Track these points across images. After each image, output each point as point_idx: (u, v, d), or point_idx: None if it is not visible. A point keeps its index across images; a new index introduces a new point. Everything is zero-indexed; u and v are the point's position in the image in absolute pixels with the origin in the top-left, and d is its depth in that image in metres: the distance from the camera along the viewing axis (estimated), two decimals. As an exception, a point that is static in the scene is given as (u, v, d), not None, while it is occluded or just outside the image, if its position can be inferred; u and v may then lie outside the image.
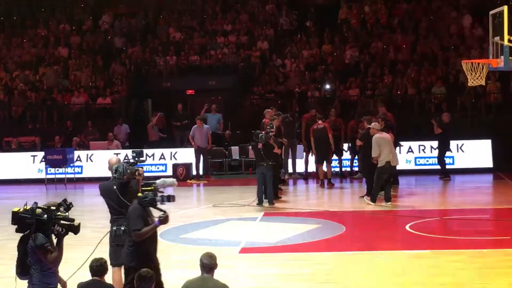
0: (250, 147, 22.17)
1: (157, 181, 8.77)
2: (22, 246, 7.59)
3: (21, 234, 7.68)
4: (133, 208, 8.57)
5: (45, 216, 7.41)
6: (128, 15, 34.48)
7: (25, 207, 7.53)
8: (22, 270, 7.45)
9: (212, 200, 19.92)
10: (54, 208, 7.51)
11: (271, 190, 18.18)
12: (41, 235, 7.41)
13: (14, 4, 35.98)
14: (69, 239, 15.09)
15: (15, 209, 7.53)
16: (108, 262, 8.76)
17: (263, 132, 18.16)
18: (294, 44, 31.17)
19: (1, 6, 35.80)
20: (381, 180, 17.72)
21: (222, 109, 28.29)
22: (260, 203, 18.11)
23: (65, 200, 7.55)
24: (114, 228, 9.48)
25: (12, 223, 7.54)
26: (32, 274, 7.47)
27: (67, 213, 7.46)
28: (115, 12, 34.83)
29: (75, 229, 7.59)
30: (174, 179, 9.19)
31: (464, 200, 19.02)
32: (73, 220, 7.55)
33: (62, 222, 7.50)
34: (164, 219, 8.51)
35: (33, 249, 7.41)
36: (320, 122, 21.50)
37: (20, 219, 7.49)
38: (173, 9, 34.82)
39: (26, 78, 30.92)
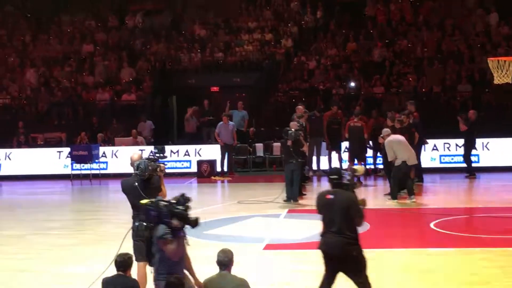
0: (279, 144, 22.24)
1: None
2: (149, 236, 7.81)
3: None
4: None
5: (165, 209, 7.56)
6: (153, 11, 34.52)
7: (151, 200, 7.72)
8: (149, 259, 7.68)
9: (236, 197, 19.93)
10: (175, 201, 7.62)
11: (296, 187, 18.19)
12: (164, 226, 7.58)
13: (41, 1, 36.17)
14: (93, 235, 15.21)
15: (144, 201, 7.76)
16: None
17: (292, 129, 18.16)
18: (319, 42, 31.10)
19: (28, 3, 36.02)
20: (397, 179, 17.71)
21: (246, 106, 28.33)
22: (289, 200, 18.11)
23: (182, 195, 7.66)
24: (136, 223, 9.52)
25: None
26: (156, 262, 7.65)
27: (185, 207, 7.58)
28: (140, 9, 34.87)
29: (192, 223, 7.67)
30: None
31: (490, 198, 18.91)
32: (187, 214, 7.67)
33: (179, 215, 7.60)
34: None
35: (156, 239, 7.63)
36: (356, 119, 21.55)
37: (146, 211, 7.71)
38: (198, 5, 34.85)
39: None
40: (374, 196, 19.65)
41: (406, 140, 18.67)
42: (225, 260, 7.81)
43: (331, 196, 8.75)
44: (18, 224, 16.53)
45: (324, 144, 23.28)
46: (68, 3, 35.68)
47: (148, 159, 9.51)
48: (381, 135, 18.28)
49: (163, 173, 9.57)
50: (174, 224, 7.55)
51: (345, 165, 22.24)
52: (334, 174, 8.86)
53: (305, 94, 28.16)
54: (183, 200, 7.65)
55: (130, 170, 9.74)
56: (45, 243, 14.16)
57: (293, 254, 12.74)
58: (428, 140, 22.71)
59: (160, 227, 7.62)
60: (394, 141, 17.59)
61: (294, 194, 18.15)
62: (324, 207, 8.83)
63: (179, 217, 7.56)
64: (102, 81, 30.38)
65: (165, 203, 7.63)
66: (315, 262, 11.87)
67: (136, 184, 9.38)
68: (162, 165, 9.54)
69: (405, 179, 17.80)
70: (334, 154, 23.12)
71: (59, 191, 23.34)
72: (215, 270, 7.87)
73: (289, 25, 32.22)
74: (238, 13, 33.97)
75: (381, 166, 22.17)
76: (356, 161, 21.84)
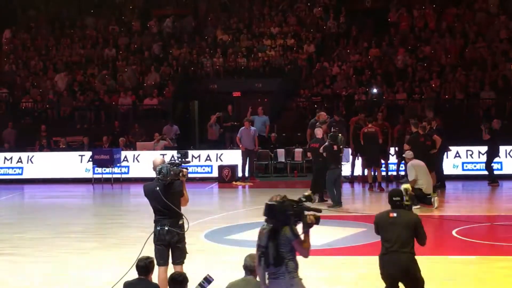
0: (300, 149, 22.27)
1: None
2: (273, 238, 7.53)
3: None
4: None
5: (297, 208, 7.58)
6: (176, 16, 34.61)
7: (277, 199, 7.60)
8: (277, 261, 7.42)
9: (257, 202, 19.90)
10: (304, 199, 7.64)
11: (339, 193, 18.40)
12: (291, 227, 7.54)
13: (64, 5, 36.38)
14: (115, 239, 15.24)
15: (271, 202, 7.61)
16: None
17: (340, 135, 18.42)
18: (341, 47, 31.06)
19: (51, 7, 36.23)
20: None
21: (268, 112, 28.31)
22: (337, 205, 18.18)
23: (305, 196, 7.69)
24: (158, 228, 9.53)
25: (267, 215, 7.62)
26: (286, 263, 7.50)
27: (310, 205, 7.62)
28: (163, 14, 34.99)
29: (318, 220, 7.71)
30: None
31: (512, 207, 18.78)
32: (320, 210, 7.76)
33: (311, 213, 7.66)
34: None
35: (288, 239, 7.48)
36: (370, 125, 21.50)
37: (281, 211, 7.53)
38: (220, 10, 34.92)
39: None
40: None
41: (429, 146, 19.13)
42: (251, 265, 7.83)
43: (394, 215, 8.74)
44: (40, 228, 16.59)
45: (346, 150, 23.16)
46: (91, 8, 35.84)
47: (170, 163, 9.51)
48: (404, 155, 18.47)
49: (185, 178, 9.56)
50: (310, 220, 7.60)
51: (365, 171, 22.20)
52: (396, 196, 8.87)
53: (327, 100, 28.11)
54: (306, 198, 7.68)
55: (152, 174, 9.74)
56: (66, 247, 14.21)
57: (309, 260, 12.67)
58: (451, 147, 22.65)
59: (287, 229, 7.50)
60: (417, 165, 17.71)
61: (339, 199, 18.34)
62: (387, 226, 8.77)
63: (312, 213, 7.67)
64: (124, 86, 30.46)
65: (294, 202, 7.61)
66: (330, 269, 11.86)
67: (158, 188, 9.38)
68: (184, 170, 9.53)
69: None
70: (357, 160, 23.03)
71: (80, 195, 23.42)
72: (235, 274, 7.86)
73: (312, 31, 32.18)
74: (260, 18, 33.97)
75: (403, 173, 22.08)
76: (372, 168, 21.82)
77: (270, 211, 7.54)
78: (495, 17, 30.65)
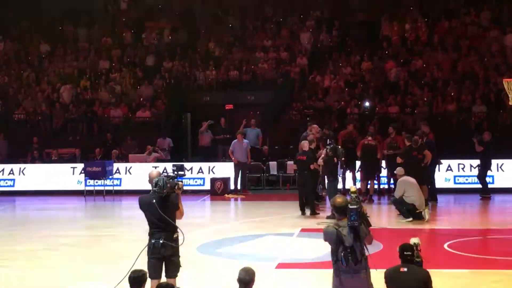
0: (292, 162, 22.33)
1: None
2: (357, 236, 8.15)
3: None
4: None
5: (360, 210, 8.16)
6: (169, 29, 34.64)
7: (353, 201, 8.16)
8: (358, 260, 8.17)
9: (249, 215, 19.92)
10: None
11: None
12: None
13: (57, 17, 36.38)
14: (106, 251, 15.21)
15: (353, 206, 8.14)
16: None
17: (339, 147, 18.69)
18: (334, 61, 31.12)
19: (45, 19, 36.20)
20: (403, 209, 17.89)
21: (261, 124, 28.33)
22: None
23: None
24: (153, 241, 9.51)
25: (356, 219, 8.09)
26: (363, 262, 8.25)
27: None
28: (156, 26, 35.00)
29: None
30: None
31: (504, 220, 18.82)
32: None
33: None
34: None
35: (365, 234, 8.24)
36: (370, 138, 21.63)
37: (361, 213, 8.16)
38: (213, 23, 34.98)
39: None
40: (388, 216, 19.59)
41: (421, 160, 19.20)
42: (245, 279, 7.87)
43: (405, 269, 8.68)
44: (31, 240, 16.56)
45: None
46: (84, 20, 35.85)
47: (166, 176, 9.52)
48: (395, 171, 18.60)
49: (181, 190, 9.57)
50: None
51: (358, 184, 22.23)
52: (408, 250, 8.73)
53: (319, 113, 28.15)
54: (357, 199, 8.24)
55: (144, 186, 9.74)
56: (58, 259, 14.17)
57: (305, 274, 12.68)
58: (442, 161, 22.78)
59: (363, 226, 8.18)
60: (408, 182, 17.81)
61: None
62: (397, 280, 8.71)
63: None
64: (116, 98, 30.45)
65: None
66: (326, 282, 11.84)
67: (154, 201, 9.37)
68: (180, 182, 9.55)
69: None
70: (348, 174, 23.10)
71: (72, 207, 23.37)
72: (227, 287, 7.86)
73: (305, 43, 32.25)
74: (253, 31, 34.03)
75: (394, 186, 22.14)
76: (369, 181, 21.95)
77: (357, 214, 8.08)
78: (487, 31, 30.78)
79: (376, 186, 22.99)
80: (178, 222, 9.58)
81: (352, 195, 8.27)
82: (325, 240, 8.34)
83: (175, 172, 9.68)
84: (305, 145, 19.28)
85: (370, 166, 21.89)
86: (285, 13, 34.69)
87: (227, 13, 35.26)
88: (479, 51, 29.73)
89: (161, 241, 9.39)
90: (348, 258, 8.08)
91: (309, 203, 19.09)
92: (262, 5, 35.48)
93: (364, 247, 8.21)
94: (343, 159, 18.72)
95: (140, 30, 35.05)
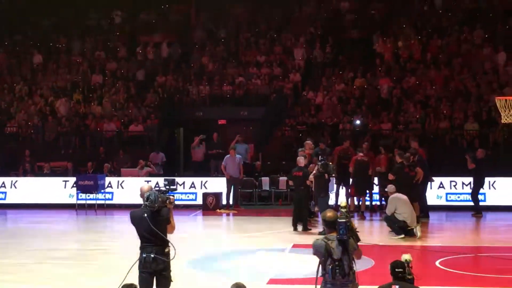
0: (285, 178, 22.35)
1: None
2: (346, 250, 8.26)
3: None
4: None
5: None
6: (163, 44, 34.66)
7: (343, 215, 8.29)
8: (350, 271, 8.27)
9: (241, 230, 19.87)
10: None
11: None
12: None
13: (51, 30, 36.42)
14: (98, 266, 15.17)
15: (342, 219, 8.26)
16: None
17: (331, 163, 18.70)
18: (327, 77, 31.18)
19: (38, 32, 36.25)
20: (395, 226, 17.91)
21: (253, 140, 28.32)
22: None
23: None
24: (144, 255, 9.47)
25: (344, 233, 8.21)
26: (351, 275, 8.31)
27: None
28: (150, 41, 35.05)
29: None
30: None
31: (496, 238, 18.84)
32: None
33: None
34: None
35: (354, 249, 8.30)
36: (362, 154, 21.68)
37: (349, 227, 8.26)
38: (207, 38, 35.05)
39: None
40: (380, 232, 19.58)
41: (413, 177, 19.28)
42: None
43: (396, 287, 8.66)
44: (22, 253, 16.48)
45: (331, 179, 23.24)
46: (78, 33, 35.90)
47: (158, 190, 9.50)
48: (386, 189, 18.71)
49: (172, 205, 9.56)
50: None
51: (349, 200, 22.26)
52: (399, 267, 8.74)
53: (312, 129, 28.20)
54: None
55: (136, 201, 9.72)
56: (49, 273, 14.11)
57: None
58: (435, 178, 22.84)
59: (352, 240, 8.27)
60: (398, 199, 17.84)
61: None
62: None
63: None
64: (110, 112, 30.43)
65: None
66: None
67: (146, 215, 9.35)
68: (171, 197, 9.53)
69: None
70: (342, 190, 23.11)
71: (63, 221, 23.29)
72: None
73: (298, 59, 32.33)
74: (247, 47, 34.10)
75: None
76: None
77: (346, 227, 8.18)
78: (480, 48, 30.92)
79: (368, 203, 23.02)
80: (170, 237, 9.55)
81: (342, 209, 8.36)
82: (314, 253, 8.39)
83: (167, 187, 9.66)
84: (300, 161, 19.32)
85: (362, 183, 21.94)
86: (278, 29, 34.80)
87: (221, 28, 35.35)
88: (471, 68, 29.86)
89: (152, 256, 9.35)
90: (335, 271, 8.14)
91: (302, 219, 19.10)
92: (256, 21, 35.60)
93: (353, 262, 8.26)
94: (333, 175, 18.70)
95: (134, 45, 35.09)
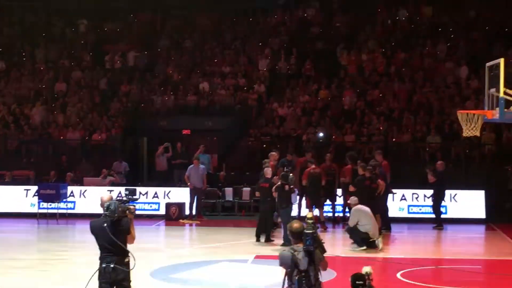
0: (248, 188, 22.31)
1: None
2: (312, 261, 8.30)
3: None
4: None
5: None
6: (127, 53, 34.54)
7: (310, 227, 8.35)
8: (316, 282, 8.33)
9: (204, 241, 19.84)
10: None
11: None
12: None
13: (14, 37, 36.15)
14: (59, 276, 15.03)
15: (309, 230, 8.32)
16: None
17: (291, 174, 18.65)
18: (292, 88, 31.26)
19: (1, 39, 35.95)
20: (357, 237, 18.05)
21: (218, 150, 28.28)
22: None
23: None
24: (104, 265, 9.42)
25: (311, 243, 8.27)
26: (317, 286, 8.37)
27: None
28: (115, 49, 34.90)
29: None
30: None
31: (456, 250, 19.01)
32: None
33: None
34: None
35: (319, 260, 8.35)
36: (314, 166, 21.64)
37: (316, 238, 8.32)
38: (172, 48, 35.01)
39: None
40: (343, 244, 19.65)
41: (375, 189, 19.52)
42: None
43: None
44: (-18, 262, 16.31)
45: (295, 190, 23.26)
46: (42, 41, 35.65)
47: (118, 200, 9.46)
48: (348, 201, 18.78)
49: (133, 215, 9.52)
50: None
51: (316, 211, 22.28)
52: (360, 280, 8.82)
53: (276, 140, 28.25)
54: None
55: (98, 210, 9.67)
56: (10, 283, 13.97)
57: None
58: (396, 190, 23.00)
59: (318, 251, 8.31)
60: (361, 211, 18.03)
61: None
62: None
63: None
64: (73, 120, 30.24)
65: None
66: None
67: (105, 225, 9.30)
68: (132, 207, 9.49)
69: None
70: (304, 201, 23.14)
71: (24, 230, 23.06)
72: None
73: (263, 70, 32.39)
74: (212, 57, 34.10)
75: (348, 214, 22.21)
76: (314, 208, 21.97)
77: (313, 238, 8.25)
78: (443, 62, 31.23)
79: (330, 214, 23.10)
80: (130, 247, 9.51)
81: (308, 221, 8.40)
82: (280, 264, 8.41)
83: (128, 197, 9.62)
84: (268, 172, 19.35)
85: (315, 194, 21.84)
86: (244, 40, 34.86)
87: (186, 38, 35.33)
88: (434, 82, 30.14)
89: (112, 266, 9.30)
90: (302, 282, 8.17)
91: (266, 230, 19.14)
92: (221, 31, 35.63)
93: (319, 273, 8.29)
94: (292, 186, 18.62)
95: (99, 53, 34.92)
